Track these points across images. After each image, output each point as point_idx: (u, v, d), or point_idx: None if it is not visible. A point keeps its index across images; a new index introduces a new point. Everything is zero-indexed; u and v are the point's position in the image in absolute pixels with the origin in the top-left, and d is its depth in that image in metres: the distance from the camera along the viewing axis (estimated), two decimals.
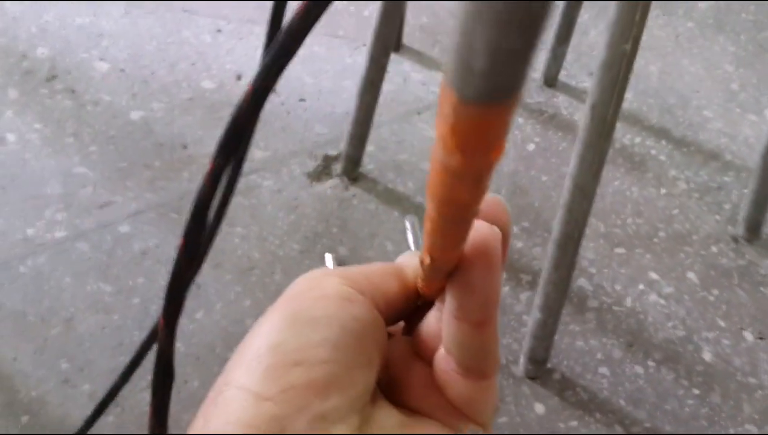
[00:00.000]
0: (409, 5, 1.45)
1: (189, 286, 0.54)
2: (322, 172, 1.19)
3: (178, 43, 1.37)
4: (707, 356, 1.04)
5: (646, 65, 1.47)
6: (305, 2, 0.45)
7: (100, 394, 0.84)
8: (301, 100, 1.30)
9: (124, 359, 0.80)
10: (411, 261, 0.30)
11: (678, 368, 1.02)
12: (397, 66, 1.39)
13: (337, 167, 1.19)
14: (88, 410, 0.85)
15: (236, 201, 1.11)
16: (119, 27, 1.38)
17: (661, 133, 1.35)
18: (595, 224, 1.18)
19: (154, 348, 0.55)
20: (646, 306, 1.08)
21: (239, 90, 1.29)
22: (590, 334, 1.04)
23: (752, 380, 1.02)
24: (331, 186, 1.18)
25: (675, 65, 1.50)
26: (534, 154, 1.28)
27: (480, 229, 0.25)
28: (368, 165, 1.21)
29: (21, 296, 1.00)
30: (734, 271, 1.15)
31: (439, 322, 0.28)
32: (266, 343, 0.25)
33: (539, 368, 0.98)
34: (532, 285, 1.07)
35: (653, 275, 1.13)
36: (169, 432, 0.57)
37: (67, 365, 0.94)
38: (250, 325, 0.96)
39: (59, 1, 1.41)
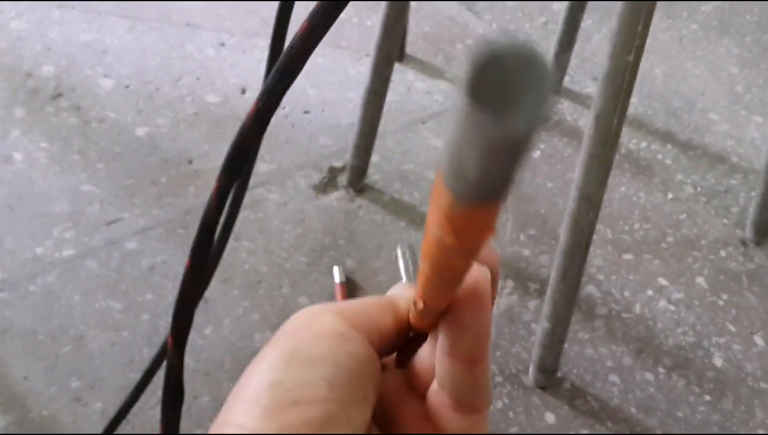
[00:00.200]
0: (412, 14, 1.45)
1: (197, 305, 0.54)
2: (327, 184, 1.19)
3: (182, 58, 1.37)
4: (718, 362, 1.04)
5: (650, 69, 1.47)
6: (306, 24, 0.45)
7: (112, 411, 0.84)
8: (306, 112, 1.31)
9: (135, 376, 0.80)
10: (403, 293, 0.31)
11: (689, 374, 1.02)
12: (401, 75, 1.39)
13: (343, 179, 1.20)
14: (99, 428, 0.85)
15: (243, 215, 1.11)
16: (123, 43, 1.39)
17: (666, 136, 1.35)
18: (602, 230, 1.18)
19: (164, 365, 0.55)
20: (655, 312, 1.08)
21: (244, 103, 1.29)
22: (599, 341, 1.04)
23: (764, 385, 1.01)
24: (337, 198, 1.18)
25: (679, 68, 1.49)
26: (539, 161, 1.27)
27: (471, 271, 0.26)
28: (374, 175, 1.21)
29: (31, 315, 1.00)
30: (743, 274, 1.15)
31: (431, 357, 0.29)
32: (265, 382, 0.26)
33: (549, 378, 0.97)
34: (540, 293, 1.07)
35: (662, 281, 1.12)
36: None
37: (78, 383, 0.94)
38: (259, 339, 0.96)
39: (63, 18, 1.42)
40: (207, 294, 0.92)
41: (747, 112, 1.42)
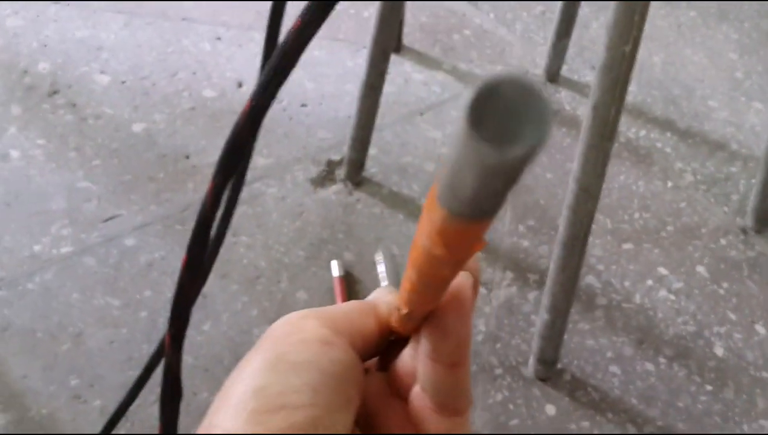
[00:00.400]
0: (409, 5, 1.44)
1: (193, 303, 0.54)
2: (325, 178, 1.19)
3: (178, 53, 1.37)
4: (719, 351, 1.03)
5: (649, 56, 1.46)
6: (299, 21, 0.45)
7: (111, 409, 0.84)
8: (303, 105, 1.30)
9: (134, 373, 0.80)
10: (385, 297, 0.31)
11: (690, 364, 1.01)
12: (398, 67, 1.38)
13: (341, 172, 1.19)
14: (98, 426, 0.85)
15: (241, 210, 1.11)
16: (119, 39, 1.38)
17: (666, 124, 1.35)
18: (602, 220, 1.17)
19: (163, 362, 0.55)
20: (655, 302, 1.08)
21: (241, 97, 1.28)
22: (600, 332, 1.04)
23: (765, 374, 1.01)
24: (335, 191, 1.17)
25: (678, 55, 1.49)
26: None
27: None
28: (372, 168, 1.21)
29: (30, 313, 1.00)
30: (744, 263, 1.14)
31: (413, 360, 0.29)
32: (250, 388, 0.26)
33: (549, 369, 0.97)
34: (540, 284, 1.07)
35: (662, 270, 1.12)
36: None
37: (77, 381, 0.94)
38: (258, 334, 0.95)
39: (59, 15, 1.41)
40: (205, 290, 0.92)
41: (746, 98, 1.41)
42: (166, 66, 1.34)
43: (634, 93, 1.39)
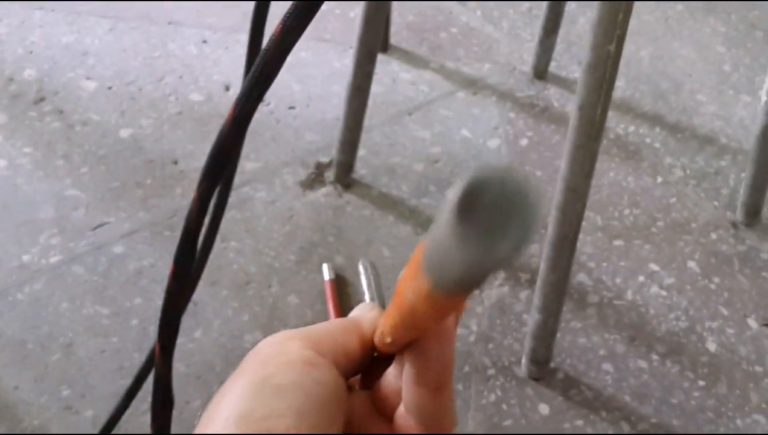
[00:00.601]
0: (395, 4, 1.44)
1: (182, 312, 0.54)
2: (314, 181, 1.19)
3: (165, 57, 1.36)
4: (712, 346, 1.03)
5: (636, 51, 1.46)
6: (280, 27, 0.44)
7: (103, 419, 0.84)
8: (291, 107, 1.30)
9: (125, 382, 0.80)
10: (367, 314, 0.32)
11: (682, 360, 1.01)
12: (386, 66, 1.38)
13: (330, 174, 1.19)
14: None
15: (230, 215, 1.11)
16: (104, 44, 1.37)
17: (654, 120, 1.34)
18: (592, 217, 1.17)
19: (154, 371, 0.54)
20: (647, 298, 1.08)
21: (228, 101, 1.28)
22: (592, 330, 1.04)
23: (758, 369, 1.01)
24: (324, 194, 1.17)
25: (666, 49, 1.49)
26: (527, 149, 1.27)
27: None
28: (361, 170, 1.20)
29: (20, 324, 0.99)
30: (735, 257, 1.14)
31: (397, 380, 0.30)
32: (235, 412, 0.27)
33: (542, 369, 0.97)
34: (531, 283, 1.07)
35: (653, 266, 1.12)
36: None
37: (68, 391, 0.93)
38: (249, 340, 0.95)
39: (44, 20, 1.40)
40: (195, 297, 0.92)
41: (734, 91, 1.41)
42: (152, 70, 1.33)
43: (622, 88, 1.39)
